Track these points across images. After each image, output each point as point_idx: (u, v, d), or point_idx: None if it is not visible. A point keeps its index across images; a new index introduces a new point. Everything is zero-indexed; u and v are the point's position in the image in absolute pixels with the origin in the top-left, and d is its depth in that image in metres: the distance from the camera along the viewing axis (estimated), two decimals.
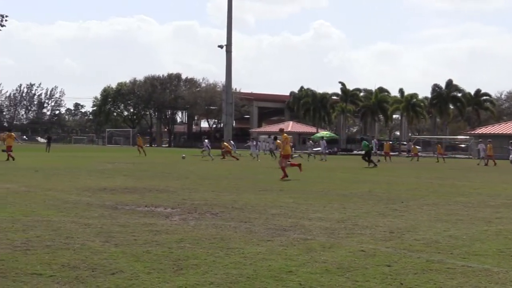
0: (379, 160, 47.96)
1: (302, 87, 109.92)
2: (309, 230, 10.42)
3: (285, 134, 26.11)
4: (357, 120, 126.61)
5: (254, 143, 53.41)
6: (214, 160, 43.73)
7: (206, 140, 52.92)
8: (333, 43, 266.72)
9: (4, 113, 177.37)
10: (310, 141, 56.81)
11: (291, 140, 27.12)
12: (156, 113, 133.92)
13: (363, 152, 42.75)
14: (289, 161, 26.23)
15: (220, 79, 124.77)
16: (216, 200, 15.08)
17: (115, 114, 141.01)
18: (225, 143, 51.36)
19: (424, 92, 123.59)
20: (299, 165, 26.22)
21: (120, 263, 7.58)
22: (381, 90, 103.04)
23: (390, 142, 68.52)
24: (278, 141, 26.66)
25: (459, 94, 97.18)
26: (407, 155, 71.92)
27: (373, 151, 50.83)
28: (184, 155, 45.71)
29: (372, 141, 58.10)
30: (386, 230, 10.54)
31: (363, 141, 44.59)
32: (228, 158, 47.14)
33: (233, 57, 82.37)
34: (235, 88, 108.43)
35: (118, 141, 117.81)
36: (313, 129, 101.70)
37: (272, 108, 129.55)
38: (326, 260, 7.96)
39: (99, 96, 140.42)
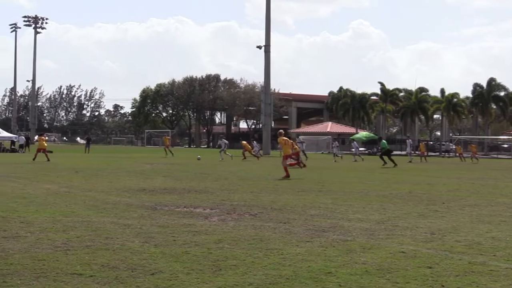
0: (410, 161, 47.64)
1: (341, 87, 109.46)
2: (349, 231, 10.34)
3: (283, 137, 26.79)
4: (397, 120, 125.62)
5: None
6: (234, 160, 43.67)
7: (225, 140, 52.97)
8: (373, 43, 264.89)
9: (45, 114, 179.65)
10: (336, 142, 56.14)
11: (293, 144, 27.61)
12: (195, 114, 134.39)
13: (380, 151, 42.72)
14: (293, 161, 27.26)
15: (259, 80, 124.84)
16: (255, 201, 15.06)
17: (154, 115, 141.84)
18: (244, 142, 51.21)
19: (466, 91, 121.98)
20: (298, 163, 27.46)
21: (159, 263, 7.60)
22: (421, 90, 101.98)
23: (425, 142, 67.82)
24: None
25: (502, 93, 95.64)
26: (448, 155, 71.20)
27: (407, 152, 50.48)
28: (199, 156, 45.94)
29: (407, 141, 57.46)
30: (427, 232, 10.41)
31: (381, 140, 44.12)
32: (248, 157, 47.61)
33: (272, 58, 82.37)
34: (274, 89, 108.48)
35: (157, 142, 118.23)
36: (352, 130, 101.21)
37: (311, 108, 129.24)
38: (366, 261, 7.89)
39: (138, 98, 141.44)
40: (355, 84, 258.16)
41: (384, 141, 42.92)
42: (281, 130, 30.19)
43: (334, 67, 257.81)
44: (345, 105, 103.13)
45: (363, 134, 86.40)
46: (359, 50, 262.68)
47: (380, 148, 44.02)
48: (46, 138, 42.76)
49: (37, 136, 43.33)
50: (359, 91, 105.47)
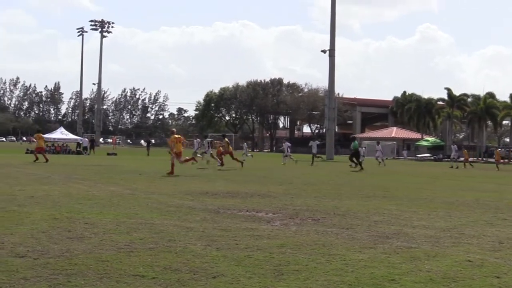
0: (451, 167, 46.70)
1: (405, 92, 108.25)
2: (413, 238, 10.16)
3: (175, 135, 28.52)
4: (464, 126, 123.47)
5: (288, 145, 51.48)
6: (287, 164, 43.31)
7: (288, 143, 52.41)
8: (440, 47, 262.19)
9: (110, 117, 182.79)
10: (379, 146, 54.64)
11: (183, 139, 29.62)
12: (258, 118, 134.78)
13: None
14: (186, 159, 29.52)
15: (323, 84, 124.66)
16: (318, 206, 14.96)
17: (217, 118, 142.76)
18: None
19: None
20: (189, 160, 30.07)
21: (221, 267, 7.58)
22: (490, 95, 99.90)
23: (499, 149, 66.07)
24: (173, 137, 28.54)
25: None
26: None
27: (451, 157, 49.33)
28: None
29: (452, 146, 55.94)
30: (494, 240, 10.15)
31: (354, 140, 43.32)
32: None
33: (337, 62, 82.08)
34: (338, 93, 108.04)
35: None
36: (417, 135, 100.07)
37: (376, 113, 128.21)
38: (431, 269, 7.73)
39: (202, 101, 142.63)
40: (420, 88, 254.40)
41: (356, 142, 42.13)
42: (173, 129, 31.78)
43: (400, 71, 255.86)
44: (410, 110, 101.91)
45: (429, 139, 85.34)
46: (426, 54, 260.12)
47: (351, 148, 42.19)
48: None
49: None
50: (425, 95, 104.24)
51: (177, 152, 27.64)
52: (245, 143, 53.84)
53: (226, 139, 37.61)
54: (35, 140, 41.76)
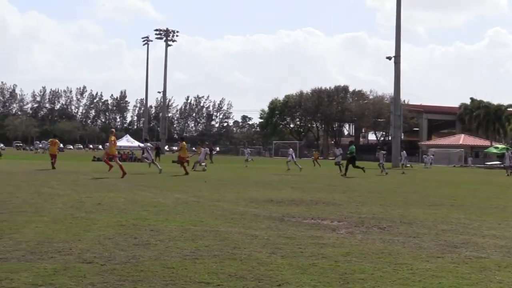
0: (508, 175, 45.24)
1: (473, 99, 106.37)
2: (483, 248, 9.92)
3: (113, 136, 29.83)
4: None
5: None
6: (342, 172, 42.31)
7: (247, 149, 52.63)
8: (511, 52, 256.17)
9: (175, 125, 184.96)
10: (382, 152, 52.81)
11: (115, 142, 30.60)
12: (323, 126, 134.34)
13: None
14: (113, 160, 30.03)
15: (389, 91, 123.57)
16: (384, 214, 14.77)
17: (281, 126, 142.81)
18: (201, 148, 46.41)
19: None
20: (110, 166, 30.35)
21: (286, 274, 7.53)
22: None
23: None
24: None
25: None
26: None
27: (505, 165, 47.48)
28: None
29: (506, 153, 53.41)
30: None
31: (351, 145, 41.13)
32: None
33: (402, 69, 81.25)
34: (404, 100, 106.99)
35: (285, 153, 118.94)
36: (486, 143, 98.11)
37: (442, 120, 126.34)
38: (502, 280, 7.53)
39: (266, 109, 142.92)
40: (490, 95, 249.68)
41: (353, 146, 40.02)
42: (112, 129, 32.22)
43: (468, 77, 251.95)
44: (479, 117, 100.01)
45: (500, 147, 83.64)
46: (495, 59, 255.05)
47: (347, 152, 40.23)
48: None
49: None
50: (494, 102, 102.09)
51: (111, 154, 29.31)
52: (247, 148, 53.78)
53: (183, 143, 36.41)
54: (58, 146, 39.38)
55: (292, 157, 49.34)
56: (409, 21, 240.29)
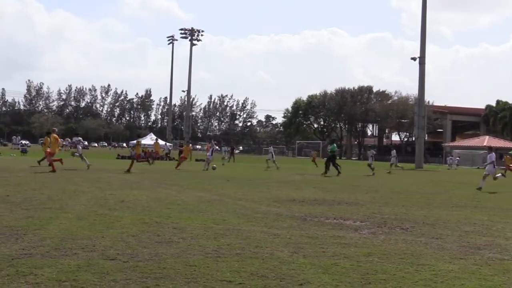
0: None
1: (499, 101, 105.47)
2: (506, 250, 9.87)
3: (54, 134, 30.15)
4: None
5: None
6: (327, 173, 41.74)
7: (271, 148, 52.61)
8: None
9: (199, 124, 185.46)
10: (372, 151, 51.03)
11: (60, 142, 31.32)
12: (347, 126, 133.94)
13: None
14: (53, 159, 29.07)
15: (413, 92, 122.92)
16: (407, 215, 14.72)
17: (305, 126, 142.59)
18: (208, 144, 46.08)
19: None
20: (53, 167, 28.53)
21: (308, 274, 7.55)
22: None
23: None
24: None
25: None
26: None
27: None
28: (215, 166, 39.62)
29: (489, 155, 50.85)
30: None
31: (332, 143, 40.34)
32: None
33: (427, 70, 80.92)
34: (428, 101, 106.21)
35: (308, 153, 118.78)
36: (511, 144, 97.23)
37: (467, 121, 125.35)
38: None
39: (290, 108, 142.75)
40: None
41: (334, 145, 39.18)
42: (54, 128, 32.84)
43: (493, 79, 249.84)
44: (504, 118, 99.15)
45: None
46: None
47: (328, 151, 39.60)
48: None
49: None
50: None
51: (51, 151, 29.12)
52: (271, 147, 53.51)
53: (139, 140, 36.01)
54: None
55: (272, 156, 49.69)
56: (435, 22, 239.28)
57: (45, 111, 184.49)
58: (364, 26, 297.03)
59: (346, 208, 15.92)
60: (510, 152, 50.05)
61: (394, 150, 53.51)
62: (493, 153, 27.83)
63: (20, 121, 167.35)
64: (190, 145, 41.97)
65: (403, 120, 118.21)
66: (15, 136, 53.56)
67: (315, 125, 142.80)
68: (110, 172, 29.87)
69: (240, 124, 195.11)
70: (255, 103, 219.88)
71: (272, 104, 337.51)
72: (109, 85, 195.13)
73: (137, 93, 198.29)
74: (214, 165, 38.14)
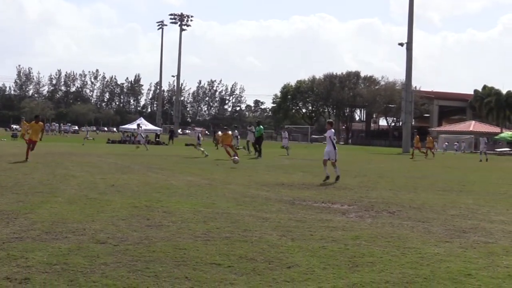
0: (480, 160, 44.05)
1: (485, 86, 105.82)
2: (491, 233, 10.01)
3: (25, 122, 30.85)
4: None
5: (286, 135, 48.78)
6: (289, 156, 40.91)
7: (285, 133, 49.12)
8: None
9: (188, 108, 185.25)
10: (484, 139, 50.04)
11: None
12: (335, 111, 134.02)
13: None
14: None
15: (400, 77, 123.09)
16: (393, 199, 14.87)
17: (293, 111, 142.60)
18: (219, 133, 44.01)
19: None
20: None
21: (296, 257, 7.66)
22: None
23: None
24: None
25: None
26: None
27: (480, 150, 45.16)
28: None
29: (481, 139, 50.63)
30: None
31: (259, 125, 38.61)
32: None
33: (414, 55, 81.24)
34: (415, 87, 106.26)
35: (296, 138, 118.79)
36: (496, 129, 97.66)
37: (454, 107, 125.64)
38: (509, 265, 7.63)
39: (279, 93, 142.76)
40: (501, 82, 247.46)
41: (261, 126, 37.92)
42: (22, 117, 32.34)
43: (480, 65, 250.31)
44: (489, 104, 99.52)
45: (508, 134, 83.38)
46: (508, 47, 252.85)
47: (254, 132, 38.90)
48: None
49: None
50: (505, 89, 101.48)
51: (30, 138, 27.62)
52: (285, 132, 49.51)
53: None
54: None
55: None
56: (423, 7, 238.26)
57: (36, 96, 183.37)
58: (353, 12, 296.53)
59: (334, 192, 16.05)
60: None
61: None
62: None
63: (11, 106, 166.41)
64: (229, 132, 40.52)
65: (390, 105, 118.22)
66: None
67: (304, 110, 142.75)
68: (100, 157, 29.86)
69: (229, 109, 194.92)
70: (244, 88, 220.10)
71: (261, 89, 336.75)
72: (97, 70, 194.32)
73: (127, 78, 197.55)
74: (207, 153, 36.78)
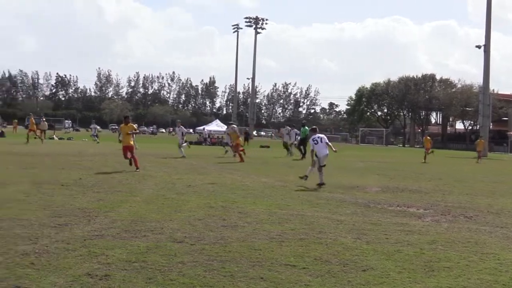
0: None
1: None
2: None
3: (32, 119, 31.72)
4: None
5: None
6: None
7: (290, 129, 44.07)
8: None
9: (263, 111, 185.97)
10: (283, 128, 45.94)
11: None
12: (410, 114, 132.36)
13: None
14: None
15: (477, 80, 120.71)
16: (471, 203, 14.63)
17: (368, 113, 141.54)
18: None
19: None
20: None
21: (371, 260, 7.64)
22: None
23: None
24: None
25: None
26: None
27: None
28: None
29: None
30: None
31: (304, 126, 37.20)
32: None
33: (492, 57, 79.27)
34: (493, 89, 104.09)
35: (371, 141, 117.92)
36: None
37: None
38: None
39: (353, 96, 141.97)
40: None
41: (306, 128, 35.98)
42: (30, 113, 32.47)
43: None
44: None
45: None
46: None
47: (298, 134, 37.88)
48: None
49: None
50: None
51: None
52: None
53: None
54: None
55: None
56: (501, 8, 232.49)
57: (115, 97, 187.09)
58: (429, 14, 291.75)
59: (409, 196, 15.90)
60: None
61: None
62: None
63: (91, 107, 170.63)
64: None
65: (467, 108, 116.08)
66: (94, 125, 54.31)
67: (379, 113, 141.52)
68: (177, 157, 30.24)
69: (304, 111, 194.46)
70: (318, 90, 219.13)
71: (336, 92, 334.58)
72: (173, 72, 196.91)
73: (202, 80, 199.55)
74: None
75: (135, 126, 22.65)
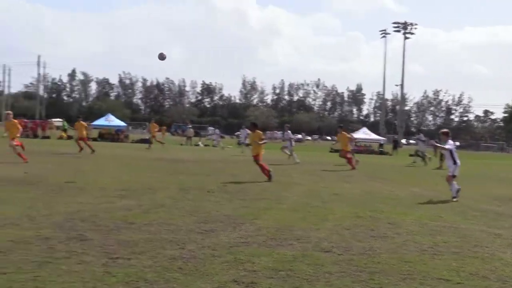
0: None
1: None
2: None
3: (81, 121, 32.24)
4: None
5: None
6: None
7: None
8: None
9: (412, 118, 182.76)
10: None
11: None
12: None
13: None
14: None
15: None
16: None
17: None
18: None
19: None
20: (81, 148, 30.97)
21: None
22: None
23: None
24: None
25: None
26: None
27: None
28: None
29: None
30: None
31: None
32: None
33: None
34: None
35: None
36: None
37: None
38: None
39: (511, 103, 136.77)
40: None
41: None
42: (79, 116, 34.33)
43: None
44: None
45: None
46: None
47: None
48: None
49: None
50: None
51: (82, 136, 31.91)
52: (216, 130, 40.48)
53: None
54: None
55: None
56: None
57: (260, 104, 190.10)
58: None
59: None
60: None
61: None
62: None
63: (236, 115, 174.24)
64: None
65: None
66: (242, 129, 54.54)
67: None
68: (323, 165, 30.09)
69: (456, 119, 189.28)
70: (472, 97, 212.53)
71: (491, 99, 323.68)
72: (318, 79, 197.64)
73: (347, 87, 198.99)
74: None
75: (261, 134, 20.77)
